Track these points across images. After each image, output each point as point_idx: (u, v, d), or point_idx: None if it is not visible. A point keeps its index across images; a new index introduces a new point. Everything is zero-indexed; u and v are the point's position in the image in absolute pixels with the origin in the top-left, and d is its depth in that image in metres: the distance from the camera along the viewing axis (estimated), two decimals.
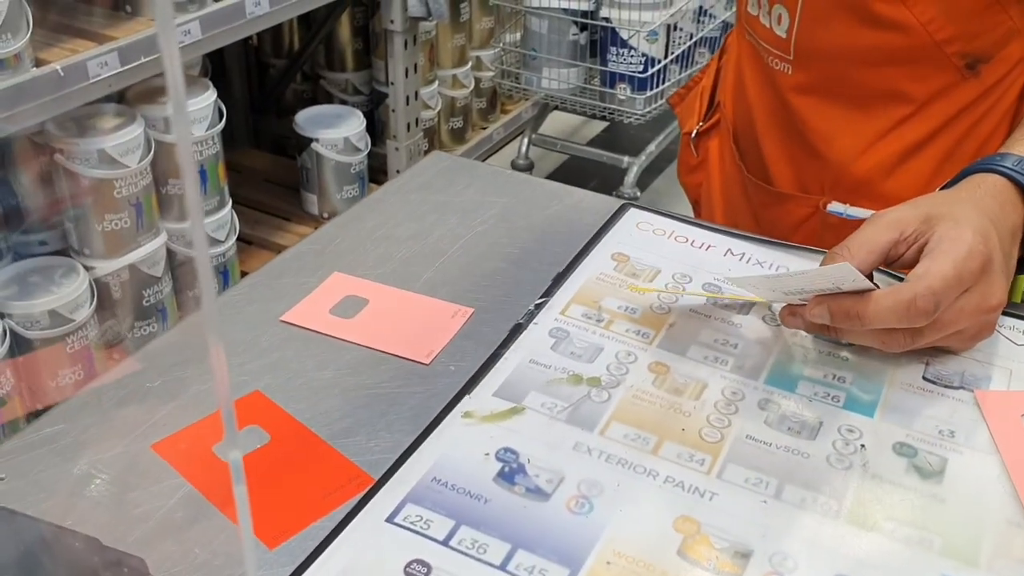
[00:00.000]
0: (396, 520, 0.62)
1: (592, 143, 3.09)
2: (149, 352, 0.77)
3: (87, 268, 1.83)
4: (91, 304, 1.81)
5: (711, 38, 2.63)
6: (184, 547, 0.61)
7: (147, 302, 1.96)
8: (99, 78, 1.70)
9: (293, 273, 0.85)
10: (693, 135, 1.23)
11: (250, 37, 2.62)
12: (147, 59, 1.78)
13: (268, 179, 2.54)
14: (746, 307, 0.82)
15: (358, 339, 0.77)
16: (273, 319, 0.79)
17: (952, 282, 0.70)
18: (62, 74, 1.64)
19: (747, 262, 0.87)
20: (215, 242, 2.07)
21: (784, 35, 1.02)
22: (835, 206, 1.03)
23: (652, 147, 2.69)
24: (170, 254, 2.00)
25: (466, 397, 0.72)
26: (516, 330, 0.79)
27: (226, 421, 0.33)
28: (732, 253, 0.88)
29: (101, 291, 1.88)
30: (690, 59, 2.58)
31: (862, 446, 0.69)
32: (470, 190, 0.98)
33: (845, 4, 0.96)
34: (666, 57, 2.49)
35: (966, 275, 0.71)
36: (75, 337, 1.78)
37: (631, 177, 2.64)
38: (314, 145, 2.29)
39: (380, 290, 0.82)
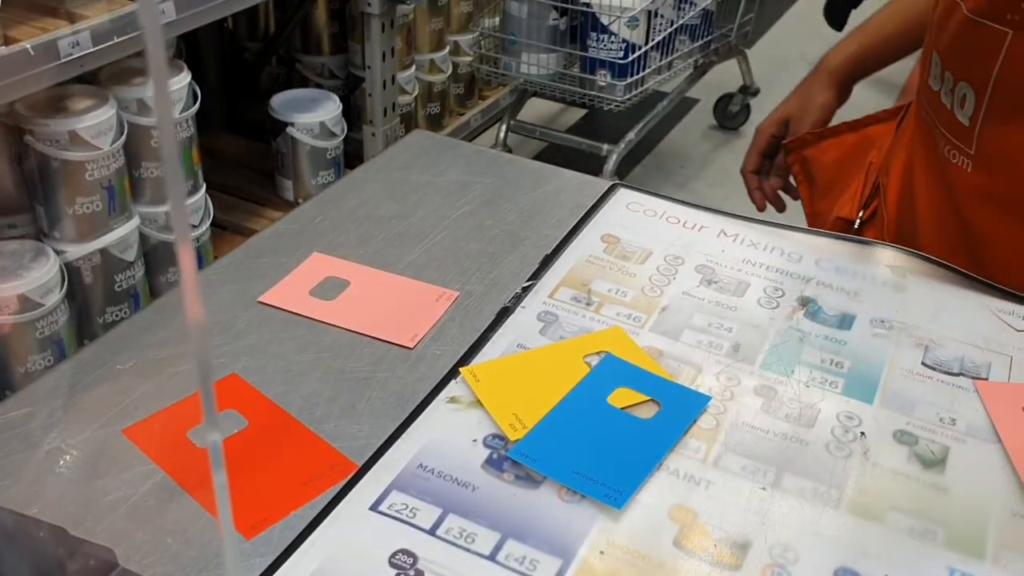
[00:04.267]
0: (380, 508, 0.59)
1: (571, 130, 3.06)
2: (121, 332, 0.74)
3: (58, 252, 1.79)
4: (61, 289, 1.77)
5: (692, 25, 2.60)
6: (156, 537, 0.58)
7: (119, 287, 1.92)
8: (71, 58, 1.66)
9: (271, 253, 0.82)
10: (856, 226, 1.01)
11: (225, 20, 2.58)
12: (120, 39, 1.73)
13: (243, 164, 2.50)
14: (741, 289, 0.79)
15: (339, 322, 0.74)
16: (250, 300, 0.76)
17: None
18: (32, 53, 1.60)
19: (740, 243, 0.84)
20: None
21: (967, 122, 0.83)
22: None
23: (632, 135, 2.66)
24: (143, 238, 1.96)
25: (452, 382, 0.69)
26: (503, 314, 0.76)
27: (205, 404, 0.31)
28: (725, 234, 0.85)
29: (72, 276, 1.84)
30: (670, 46, 2.55)
31: (862, 434, 0.67)
32: (454, 170, 0.95)
33: None
34: (646, 44, 2.47)
35: None
36: (45, 322, 1.74)
37: (610, 165, 2.61)
38: (289, 129, 2.25)
39: (362, 271, 0.79)
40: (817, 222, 1.10)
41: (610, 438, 0.65)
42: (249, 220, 2.30)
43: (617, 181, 0.93)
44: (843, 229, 1.03)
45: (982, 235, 0.87)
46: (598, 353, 0.72)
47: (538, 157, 3.02)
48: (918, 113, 0.94)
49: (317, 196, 0.90)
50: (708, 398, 0.68)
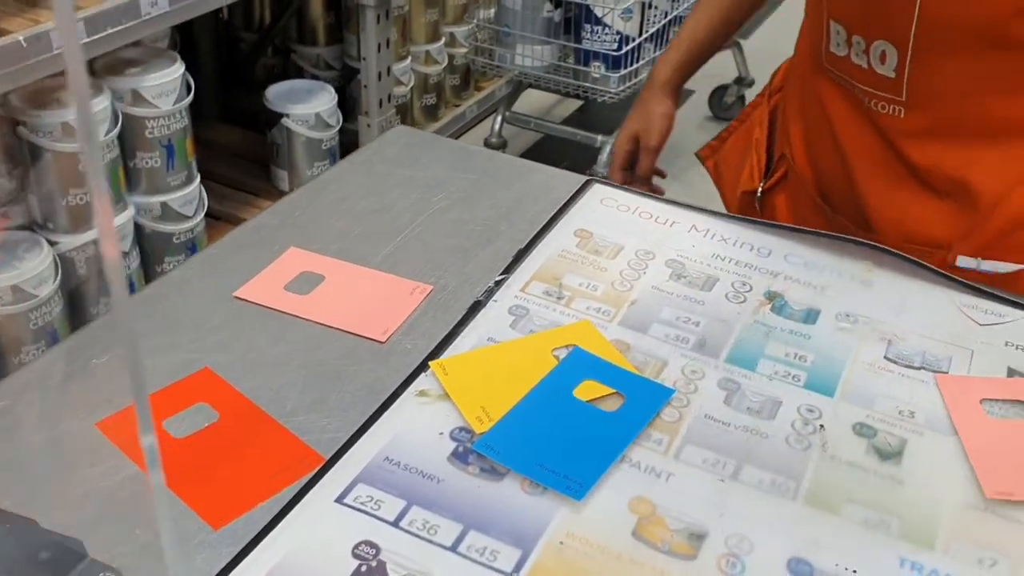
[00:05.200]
0: (346, 501, 0.61)
1: (566, 121, 3.07)
2: (97, 327, 0.75)
3: (51, 243, 1.80)
4: (55, 280, 1.78)
5: (685, 17, 2.61)
6: (126, 528, 0.59)
7: None
8: (63, 49, 1.67)
9: (250, 247, 0.83)
10: (759, 194, 1.11)
11: (220, 10, 2.59)
12: (113, 30, 1.74)
13: (238, 154, 2.51)
14: (709, 283, 0.81)
15: (313, 316, 0.75)
16: (227, 295, 0.77)
17: None
18: (24, 45, 1.61)
19: (711, 238, 0.86)
20: (183, 218, 2.04)
21: (892, 74, 0.89)
22: (965, 261, 0.90)
23: None
24: (137, 228, 1.97)
25: (422, 375, 0.70)
26: (475, 307, 0.77)
27: (140, 410, 0.32)
28: (696, 229, 0.87)
29: (66, 266, 1.85)
30: (664, 38, 2.56)
31: (821, 426, 0.68)
32: (434, 165, 0.96)
33: (971, 30, 0.84)
34: (640, 35, 2.47)
35: None
36: (38, 313, 1.76)
37: (604, 156, 2.62)
38: (284, 120, 2.26)
39: (337, 266, 0.81)
40: (732, 208, 1.17)
41: (574, 430, 0.66)
42: (244, 211, 2.31)
43: (592, 176, 0.94)
44: (748, 201, 1.12)
45: (930, 169, 0.92)
46: (567, 347, 0.73)
47: (533, 148, 3.03)
48: (819, 78, 0.99)
49: (296, 191, 0.91)
50: (671, 391, 0.70)
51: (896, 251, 0.84)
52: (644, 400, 0.69)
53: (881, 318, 0.78)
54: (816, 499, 0.63)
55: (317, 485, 0.61)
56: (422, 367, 0.71)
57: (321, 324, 0.75)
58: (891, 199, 0.95)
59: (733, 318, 0.77)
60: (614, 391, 0.69)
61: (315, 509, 0.60)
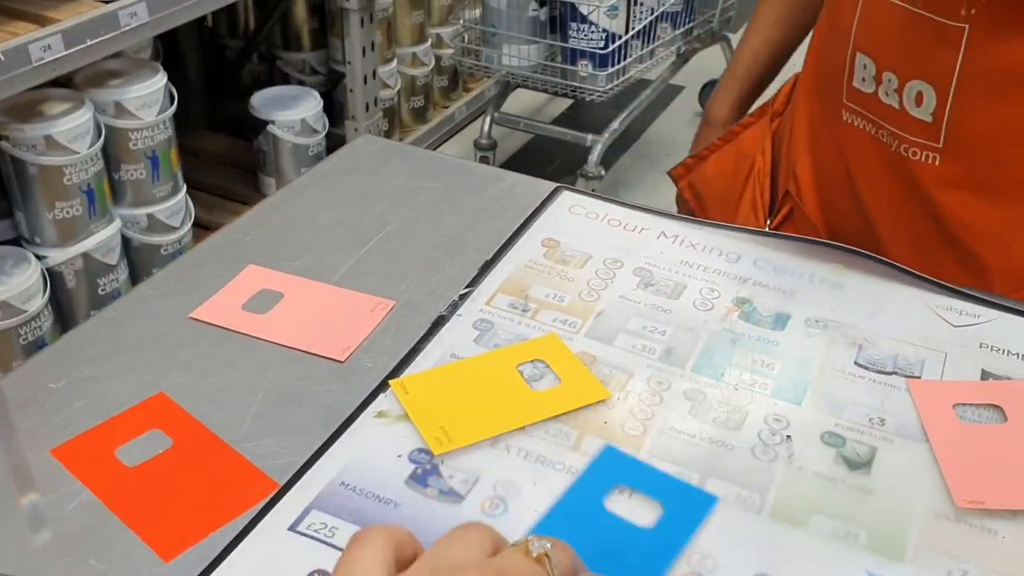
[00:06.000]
0: (299, 528, 0.59)
1: (556, 121, 3.06)
2: (54, 350, 0.74)
3: (39, 257, 1.80)
4: (44, 294, 1.77)
5: (673, 13, 2.59)
6: (79, 557, 0.58)
7: (103, 290, 1.93)
8: (42, 62, 1.66)
9: (210, 265, 0.82)
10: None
11: (204, 18, 2.58)
12: (93, 42, 1.74)
13: (225, 162, 2.50)
14: (677, 291, 0.79)
15: (271, 336, 0.74)
16: (183, 315, 0.76)
17: None
18: (2, 58, 1.60)
19: (680, 244, 0.84)
20: (170, 229, 2.03)
21: (928, 118, 0.83)
22: None
23: (616, 124, 2.65)
24: (125, 241, 1.97)
25: (381, 395, 0.69)
26: (438, 323, 0.76)
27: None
28: (665, 235, 0.85)
29: (54, 281, 1.85)
30: (651, 35, 2.54)
31: (788, 436, 0.67)
32: (400, 175, 0.95)
33: (1017, 72, 0.79)
34: (627, 32, 2.46)
35: None
36: (28, 328, 1.75)
37: (595, 155, 2.60)
38: (270, 127, 2.25)
39: (297, 283, 0.79)
40: None
41: (606, 551, 0.59)
42: (232, 219, 2.29)
43: (560, 184, 0.92)
44: None
45: (961, 222, 0.87)
46: (531, 361, 0.72)
47: (524, 149, 3.02)
48: (839, 116, 0.93)
49: (259, 204, 0.90)
50: (715, 498, 0.62)
51: (866, 252, 0.83)
52: (684, 510, 0.62)
53: (852, 322, 0.76)
54: (782, 512, 0.61)
55: (270, 513, 0.60)
56: (382, 386, 0.70)
57: (279, 344, 0.73)
58: (921, 257, 0.88)
59: (700, 326, 0.76)
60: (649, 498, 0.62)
61: (268, 538, 0.59)
